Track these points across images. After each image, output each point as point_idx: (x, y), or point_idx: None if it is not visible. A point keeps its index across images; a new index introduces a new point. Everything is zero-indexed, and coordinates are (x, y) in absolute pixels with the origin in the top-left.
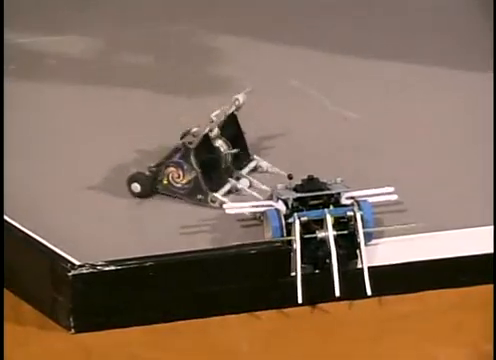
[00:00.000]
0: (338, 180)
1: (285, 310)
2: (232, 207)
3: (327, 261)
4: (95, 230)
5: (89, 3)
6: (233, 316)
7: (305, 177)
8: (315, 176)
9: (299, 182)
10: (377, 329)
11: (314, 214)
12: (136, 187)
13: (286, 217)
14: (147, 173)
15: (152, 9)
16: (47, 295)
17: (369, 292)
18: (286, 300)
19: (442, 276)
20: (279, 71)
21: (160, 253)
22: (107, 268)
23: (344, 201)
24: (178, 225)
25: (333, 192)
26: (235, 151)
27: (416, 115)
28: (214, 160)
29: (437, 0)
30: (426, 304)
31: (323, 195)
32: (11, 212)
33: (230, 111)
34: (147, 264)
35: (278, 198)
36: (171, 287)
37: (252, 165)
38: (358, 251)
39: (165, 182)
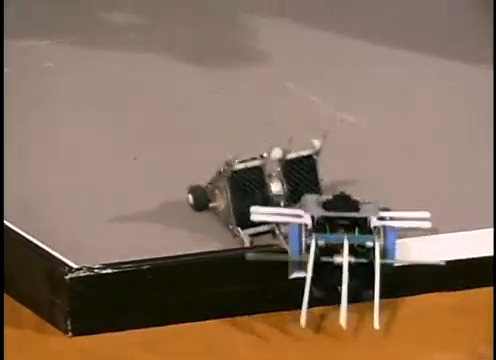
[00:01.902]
0: (370, 200)
1: (283, 313)
2: (258, 212)
3: (339, 289)
4: (92, 233)
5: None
6: (231, 319)
7: (337, 193)
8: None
9: (330, 196)
10: (374, 332)
11: (333, 239)
12: (189, 199)
13: (310, 232)
14: (205, 187)
15: (152, 14)
16: (44, 298)
17: (377, 326)
18: (284, 303)
19: (440, 279)
20: (274, 73)
21: (157, 256)
22: (104, 271)
23: (374, 222)
24: (176, 228)
25: (358, 216)
26: (282, 193)
27: (415, 117)
28: (257, 196)
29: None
30: (423, 308)
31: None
32: (8, 215)
33: (303, 154)
34: (144, 267)
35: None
36: (169, 290)
37: None
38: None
39: (212, 203)
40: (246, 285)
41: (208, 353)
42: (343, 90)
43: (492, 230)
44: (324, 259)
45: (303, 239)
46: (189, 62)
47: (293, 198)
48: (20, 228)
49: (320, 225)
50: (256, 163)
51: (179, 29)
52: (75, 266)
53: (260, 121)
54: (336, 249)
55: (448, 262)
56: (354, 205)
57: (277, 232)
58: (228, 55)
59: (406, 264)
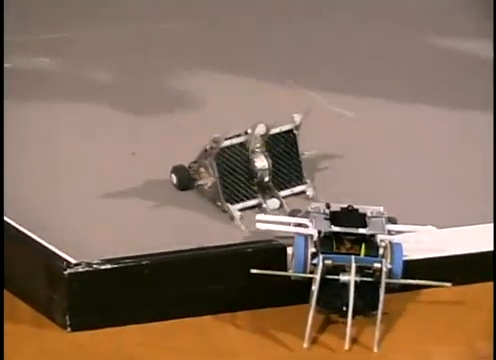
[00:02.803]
0: (378, 211)
1: (281, 309)
2: (263, 221)
3: (344, 309)
4: (91, 229)
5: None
6: (229, 314)
7: (345, 205)
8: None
9: (338, 208)
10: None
11: (340, 259)
12: (173, 178)
13: (315, 245)
14: (187, 167)
15: (149, 7)
16: (43, 294)
17: (376, 349)
18: (282, 298)
19: (438, 274)
20: (274, 70)
21: (156, 252)
22: (103, 266)
23: (381, 236)
24: (174, 223)
25: (367, 233)
26: (266, 168)
27: (413, 113)
28: (243, 172)
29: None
30: (420, 302)
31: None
32: (7, 211)
33: (284, 129)
34: (143, 262)
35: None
36: (167, 285)
37: (297, 189)
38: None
39: (199, 182)
40: (244, 281)
41: (206, 349)
42: (342, 86)
43: (492, 225)
44: (330, 277)
45: (309, 253)
46: (187, 56)
47: (276, 172)
48: (19, 224)
49: (326, 239)
50: (241, 139)
51: (179, 22)
52: (74, 261)
53: (257, 114)
54: (342, 266)
55: (445, 257)
56: (362, 220)
57: (264, 206)
58: (226, 49)
59: (412, 283)
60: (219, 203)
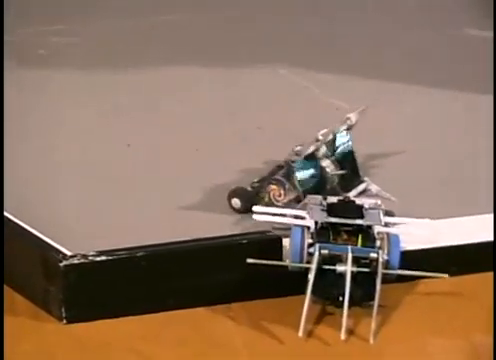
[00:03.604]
0: (374, 203)
1: (276, 300)
2: (260, 212)
3: (340, 299)
4: (86, 221)
5: None
6: (224, 306)
7: (341, 198)
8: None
9: (334, 199)
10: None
11: (337, 249)
12: (236, 203)
13: (312, 236)
14: (249, 189)
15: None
16: (39, 286)
17: (372, 341)
18: (278, 289)
19: (435, 265)
20: (268, 60)
21: (152, 243)
22: (99, 258)
23: (378, 228)
24: (169, 215)
25: (364, 224)
26: (342, 172)
27: (410, 104)
28: (318, 180)
29: None
30: (417, 293)
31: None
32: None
33: (341, 130)
34: (139, 254)
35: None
36: (163, 277)
37: (361, 188)
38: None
39: (266, 200)
40: (239, 272)
41: (202, 341)
42: (339, 79)
43: (489, 216)
44: (326, 267)
45: (305, 243)
46: (185, 49)
47: (342, 176)
48: (15, 216)
49: (323, 230)
50: (312, 148)
51: (176, 15)
52: (69, 253)
53: (255, 108)
54: (338, 257)
55: (441, 248)
56: (358, 211)
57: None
58: (224, 45)
59: (408, 274)
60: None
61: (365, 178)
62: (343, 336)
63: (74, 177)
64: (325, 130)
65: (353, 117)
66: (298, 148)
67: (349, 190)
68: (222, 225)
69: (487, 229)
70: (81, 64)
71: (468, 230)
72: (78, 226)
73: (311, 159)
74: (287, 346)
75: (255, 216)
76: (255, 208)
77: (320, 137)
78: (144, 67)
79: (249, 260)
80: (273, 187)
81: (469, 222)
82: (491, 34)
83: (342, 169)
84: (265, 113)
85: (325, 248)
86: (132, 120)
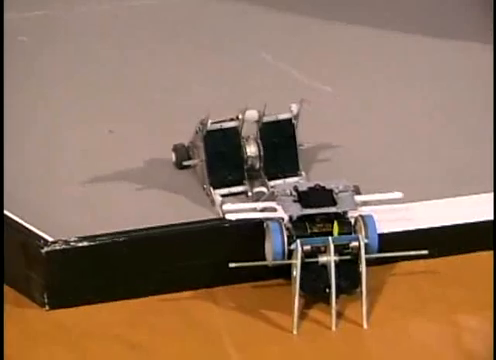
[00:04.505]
0: (344, 183)
1: (259, 283)
2: (232, 210)
3: (327, 290)
4: (67, 206)
5: None
6: (207, 290)
7: (311, 185)
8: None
9: (304, 188)
10: (348, 300)
11: (318, 242)
12: (172, 157)
13: (288, 230)
14: (186, 145)
15: None
16: (22, 273)
17: (365, 326)
18: (260, 273)
19: (414, 247)
20: (250, 44)
21: (134, 228)
22: (80, 244)
23: (352, 212)
24: (151, 200)
25: (339, 211)
26: (257, 155)
27: (395, 86)
28: (233, 158)
29: None
30: (398, 274)
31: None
32: None
33: (281, 117)
34: (121, 239)
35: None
36: (145, 262)
37: (290, 180)
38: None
39: (186, 162)
40: (221, 256)
41: (187, 326)
42: (319, 61)
43: (489, 195)
44: (308, 260)
45: (285, 239)
46: (163, 34)
47: (270, 161)
48: None
49: (299, 222)
50: (232, 124)
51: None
52: (51, 239)
53: (236, 92)
54: (318, 248)
55: (420, 230)
56: (330, 197)
57: (250, 194)
58: (203, 28)
59: (388, 256)
60: (205, 186)
61: (302, 172)
62: (333, 327)
63: (55, 163)
64: (253, 111)
65: (294, 108)
66: (203, 117)
67: (275, 178)
68: (204, 209)
69: (467, 210)
70: (63, 51)
71: (449, 211)
72: (59, 212)
73: (232, 134)
74: (276, 331)
75: (228, 216)
76: (225, 206)
77: (240, 116)
78: (127, 52)
79: (231, 264)
80: (194, 150)
81: (448, 204)
82: None
83: (274, 156)
84: (238, 89)
85: (307, 243)
86: (114, 106)
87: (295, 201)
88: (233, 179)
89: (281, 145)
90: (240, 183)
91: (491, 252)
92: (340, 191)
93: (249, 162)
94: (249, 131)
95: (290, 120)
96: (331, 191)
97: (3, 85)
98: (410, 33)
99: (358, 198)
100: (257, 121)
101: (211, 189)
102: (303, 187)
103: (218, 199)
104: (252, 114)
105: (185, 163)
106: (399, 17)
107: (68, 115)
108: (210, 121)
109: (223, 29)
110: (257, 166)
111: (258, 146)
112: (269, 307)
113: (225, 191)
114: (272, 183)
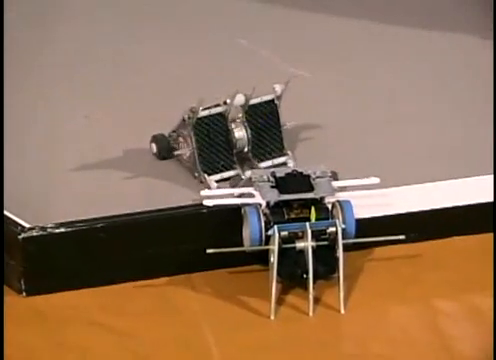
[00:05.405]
0: (321, 169)
1: (237, 269)
2: (209, 196)
3: (304, 276)
4: (44, 192)
5: None
6: (185, 276)
7: (288, 170)
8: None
9: (282, 174)
10: (326, 285)
11: (295, 227)
12: (153, 148)
13: (266, 215)
14: (167, 136)
15: None
16: None
17: (342, 311)
18: (237, 259)
19: (392, 232)
20: (227, 29)
21: (111, 214)
22: (57, 230)
23: (329, 198)
24: (129, 186)
25: (317, 196)
26: (246, 138)
27: (381, 71)
28: (222, 142)
29: None
30: (376, 259)
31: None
32: None
33: (265, 99)
34: (98, 225)
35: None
36: (123, 248)
37: (277, 161)
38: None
39: (177, 152)
40: (199, 242)
41: (163, 311)
42: (299, 45)
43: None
44: (286, 246)
45: (262, 225)
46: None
47: (257, 143)
48: None
49: (276, 208)
50: (219, 110)
51: None
52: (28, 226)
53: (215, 77)
54: (296, 234)
55: (399, 215)
56: (308, 183)
57: (242, 177)
58: (180, 13)
59: (366, 241)
60: (196, 174)
61: (288, 152)
62: (311, 313)
63: (33, 149)
64: (240, 95)
65: (278, 88)
66: (193, 105)
67: (263, 160)
68: (182, 195)
69: (444, 195)
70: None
71: (426, 196)
72: (36, 198)
73: (219, 120)
74: (254, 316)
75: (205, 202)
76: (203, 192)
77: (228, 100)
78: (105, 39)
79: (209, 250)
80: (181, 139)
81: (429, 188)
82: None
83: (260, 137)
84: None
85: (284, 229)
86: (92, 90)
87: (272, 187)
88: (225, 164)
89: (266, 126)
90: (231, 168)
91: (468, 236)
92: (317, 177)
93: (238, 146)
94: (233, 115)
95: (273, 101)
96: (308, 177)
97: (3, 85)
98: (396, 23)
99: (335, 183)
100: (243, 105)
101: (205, 176)
102: (281, 173)
103: (214, 185)
104: (239, 98)
105: (176, 153)
106: (387, 5)
107: (43, 99)
108: (201, 108)
109: (202, 16)
110: (246, 149)
111: (246, 129)
112: (247, 293)
113: (217, 177)
114: (263, 164)
